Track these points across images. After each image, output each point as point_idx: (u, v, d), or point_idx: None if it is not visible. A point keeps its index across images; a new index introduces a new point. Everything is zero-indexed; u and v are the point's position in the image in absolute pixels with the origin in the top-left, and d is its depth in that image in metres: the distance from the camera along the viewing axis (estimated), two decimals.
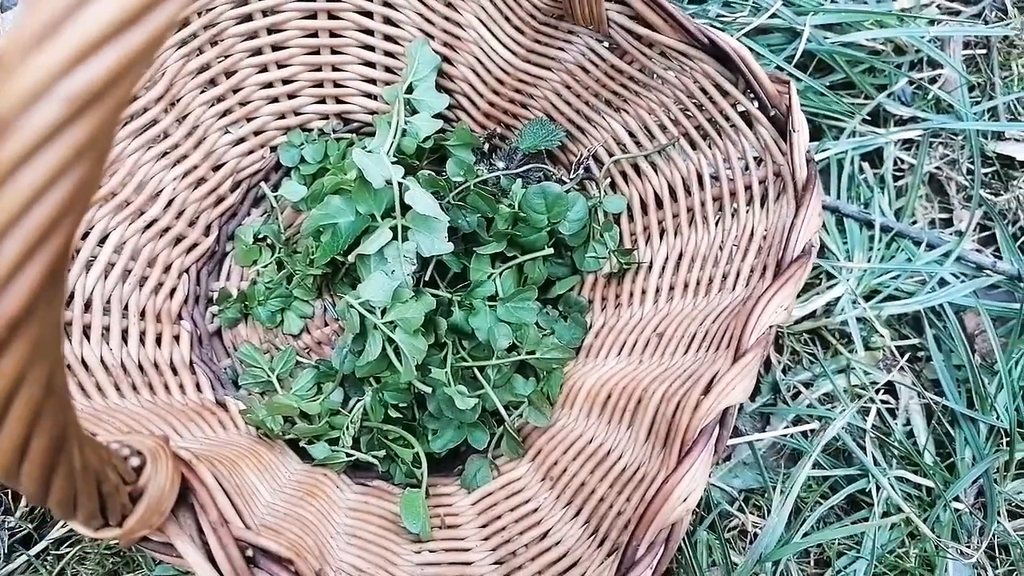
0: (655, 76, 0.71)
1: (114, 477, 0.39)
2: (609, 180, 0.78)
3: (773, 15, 0.91)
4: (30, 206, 0.22)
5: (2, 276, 0.23)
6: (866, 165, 0.98)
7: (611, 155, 0.77)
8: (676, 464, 0.51)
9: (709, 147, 0.71)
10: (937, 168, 0.99)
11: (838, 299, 0.87)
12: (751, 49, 0.93)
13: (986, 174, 1.00)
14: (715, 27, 0.66)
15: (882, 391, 0.86)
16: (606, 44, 0.72)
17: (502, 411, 0.70)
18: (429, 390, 0.69)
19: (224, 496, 0.50)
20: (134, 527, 0.42)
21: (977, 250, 0.94)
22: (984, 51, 1.06)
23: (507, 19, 0.76)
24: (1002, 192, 0.99)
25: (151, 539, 0.46)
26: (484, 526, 0.67)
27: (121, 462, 0.41)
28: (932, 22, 1.03)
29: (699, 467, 0.51)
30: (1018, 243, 0.94)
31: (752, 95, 0.65)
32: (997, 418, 0.83)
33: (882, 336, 0.87)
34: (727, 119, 0.68)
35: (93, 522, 0.40)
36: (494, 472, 0.71)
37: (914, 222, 0.96)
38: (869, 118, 0.98)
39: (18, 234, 0.23)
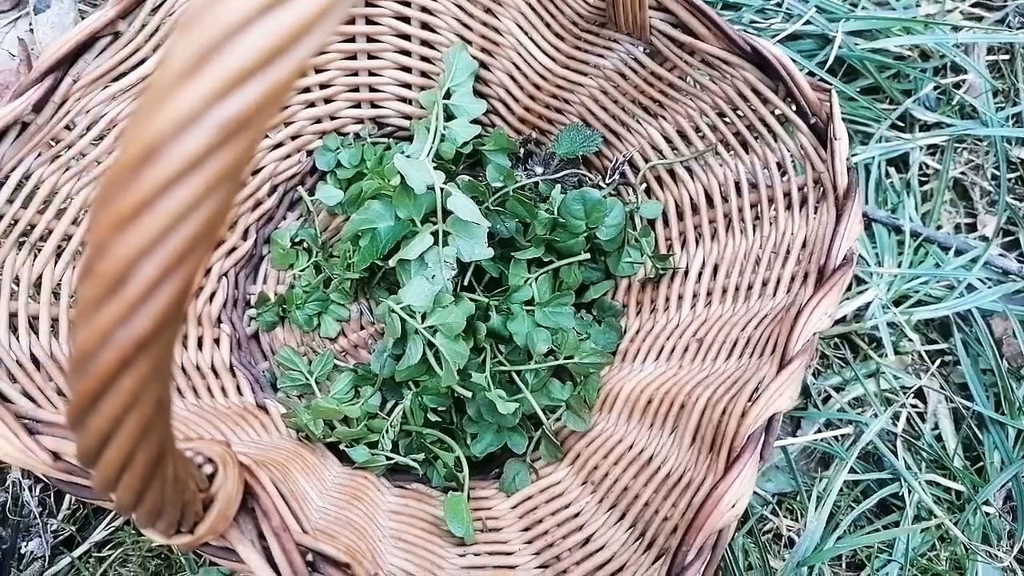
0: (693, 83, 0.72)
1: (192, 486, 0.40)
2: (645, 185, 0.78)
3: (807, 21, 0.92)
4: (170, 231, 0.23)
5: (137, 297, 0.24)
6: (892, 170, 0.99)
7: (647, 160, 0.77)
8: (725, 470, 0.52)
9: (747, 153, 0.71)
10: (962, 173, 1.00)
11: (868, 304, 0.88)
12: None
13: (1011, 179, 1.00)
14: (750, 33, 0.66)
15: (911, 395, 0.87)
16: (646, 51, 0.73)
17: (541, 415, 0.71)
18: (469, 394, 0.69)
19: (283, 501, 0.50)
20: (204, 533, 0.43)
21: (1001, 255, 0.95)
22: (1008, 57, 1.06)
23: (547, 25, 0.76)
24: None
25: (211, 544, 0.47)
26: (526, 529, 0.67)
27: (197, 470, 0.41)
28: (956, 28, 1.03)
29: (747, 473, 0.52)
30: None
31: (792, 103, 0.66)
32: None
33: (911, 341, 0.88)
34: (766, 126, 0.68)
35: (170, 529, 0.40)
36: (533, 476, 0.71)
37: (939, 227, 0.97)
38: (901, 123, 0.99)
39: (156, 257, 0.23)
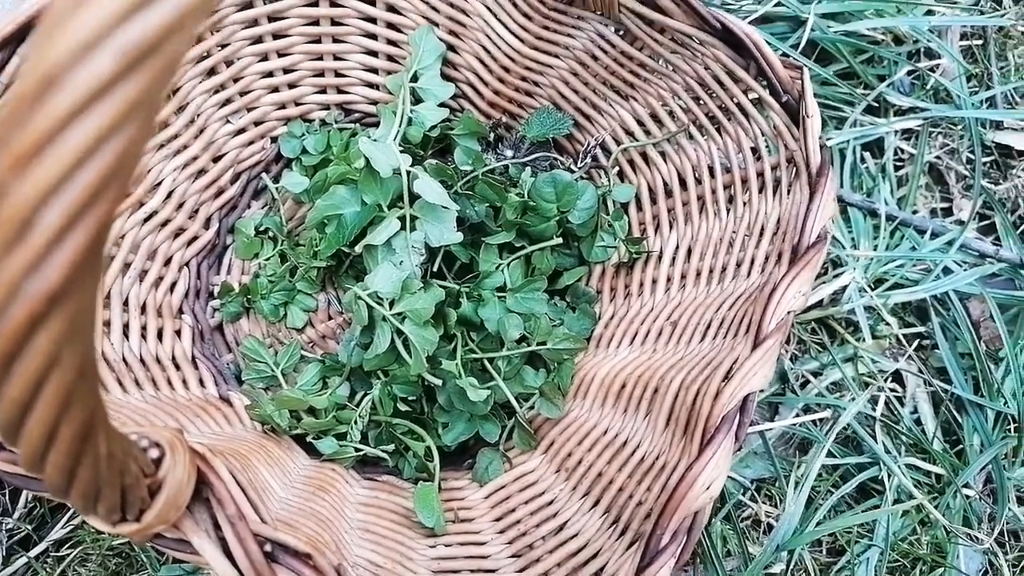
0: (665, 63, 0.71)
1: (135, 469, 0.38)
2: (617, 169, 0.77)
3: (778, 3, 0.91)
4: (77, 168, 0.21)
5: (43, 245, 0.22)
6: (867, 155, 0.98)
7: (619, 143, 0.76)
8: (699, 452, 0.50)
9: (720, 134, 0.70)
10: (937, 158, 1.00)
11: (845, 288, 0.87)
12: None
13: (986, 163, 1.00)
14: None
15: (889, 379, 0.86)
16: (616, 30, 0.71)
17: (514, 403, 0.69)
18: (439, 382, 0.68)
19: (240, 490, 0.48)
20: (152, 522, 0.41)
21: (978, 238, 0.94)
22: (981, 41, 1.06)
23: (515, 5, 0.75)
24: (1001, 181, 0.99)
25: (165, 536, 0.45)
26: (499, 519, 0.65)
27: (141, 454, 0.39)
28: (930, 12, 1.03)
29: (722, 454, 0.50)
30: (1018, 231, 0.95)
31: (764, 81, 0.65)
32: (1004, 404, 0.83)
33: (888, 324, 0.87)
34: (738, 105, 0.67)
35: (113, 516, 0.38)
36: (506, 465, 0.70)
37: (915, 211, 0.96)
38: (875, 104, 0.98)
39: (63, 199, 0.21)
